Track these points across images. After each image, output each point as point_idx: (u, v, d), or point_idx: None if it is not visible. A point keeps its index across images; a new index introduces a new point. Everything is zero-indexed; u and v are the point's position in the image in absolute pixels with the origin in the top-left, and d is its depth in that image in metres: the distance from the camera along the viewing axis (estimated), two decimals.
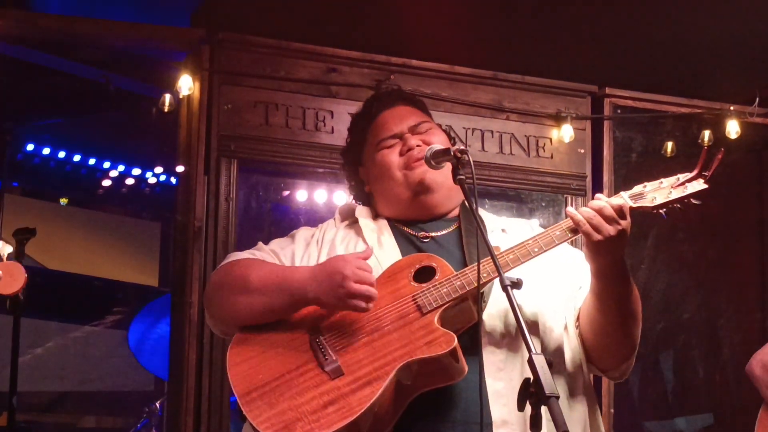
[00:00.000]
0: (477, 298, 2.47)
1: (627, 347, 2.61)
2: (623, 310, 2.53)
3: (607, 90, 5.09)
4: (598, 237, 2.42)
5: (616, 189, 5.01)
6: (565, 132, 4.92)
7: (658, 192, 2.52)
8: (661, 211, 2.52)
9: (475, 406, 2.39)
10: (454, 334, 2.41)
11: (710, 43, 5.17)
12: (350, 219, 2.83)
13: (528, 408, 2.36)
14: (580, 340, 2.60)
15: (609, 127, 5.06)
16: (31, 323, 6.49)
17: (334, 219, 2.86)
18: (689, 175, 2.51)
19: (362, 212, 2.82)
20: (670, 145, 5.18)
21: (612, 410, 4.82)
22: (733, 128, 5.03)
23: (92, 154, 7.13)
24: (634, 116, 5.12)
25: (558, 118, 4.96)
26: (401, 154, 2.73)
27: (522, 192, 5.02)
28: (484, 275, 2.45)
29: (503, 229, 2.75)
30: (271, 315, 2.55)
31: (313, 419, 2.36)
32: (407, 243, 2.70)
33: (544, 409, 2.12)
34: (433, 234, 2.72)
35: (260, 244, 2.81)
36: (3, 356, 5.09)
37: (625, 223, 2.44)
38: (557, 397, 2.10)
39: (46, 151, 6.98)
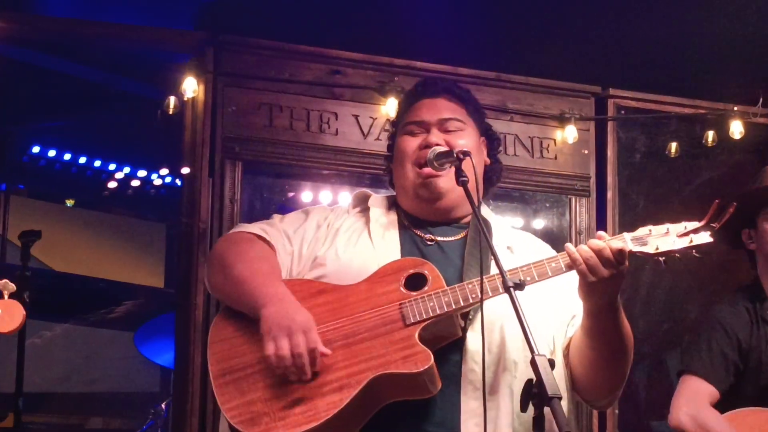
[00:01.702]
0: (467, 314, 2.45)
1: (615, 382, 2.58)
2: (613, 347, 2.50)
3: (611, 91, 5.08)
4: (592, 278, 2.38)
5: (620, 190, 5.02)
6: (569, 133, 4.92)
7: (662, 240, 2.47)
8: (660, 258, 2.47)
9: (449, 422, 2.41)
10: (431, 353, 2.38)
11: (714, 43, 5.16)
12: (362, 206, 2.79)
13: (500, 429, 2.39)
14: (569, 369, 2.58)
15: (613, 127, 5.06)
16: (37, 325, 6.53)
17: (349, 203, 2.84)
18: (697, 225, 2.46)
19: (376, 201, 2.78)
20: (674, 145, 5.17)
21: (616, 411, 4.83)
22: (736, 129, 5.03)
23: (98, 156, 7.15)
24: (637, 117, 5.12)
25: (562, 119, 4.96)
26: (420, 147, 2.69)
27: (526, 193, 5.01)
28: (479, 294, 2.41)
29: (509, 246, 2.69)
30: (239, 308, 2.56)
31: (279, 416, 2.36)
32: (411, 244, 2.67)
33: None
34: (440, 239, 2.68)
35: (275, 218, 2.79)
36: (9, 358, 5.10)
37: (622, 267, 2.40)
38: (560, 398, 2.11)
39: (52, 153, 7.00)
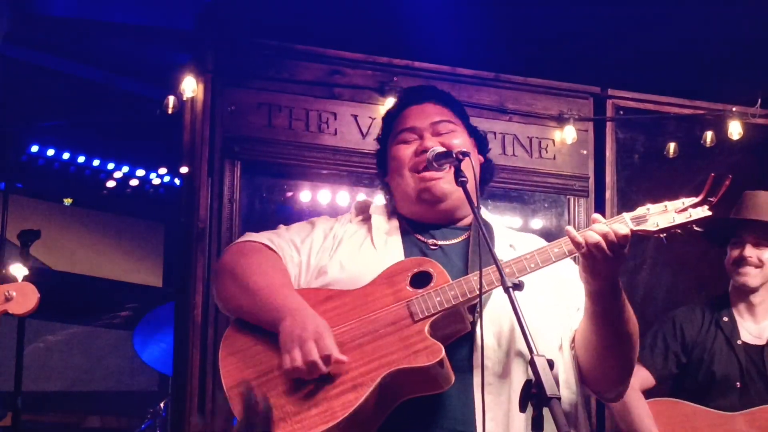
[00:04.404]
0: (474, 307, 2.45)
1: (622, 369, 2.58)
2: (618, 330, 2.50)
3: (610, 91, 5.09)
4: (597, 261, 2.39)
5: (619, 190, 5.03)
6: (568, 133, 4.92)
7: (661, 216, 2.49)
8: (661, 235, 2.49)
9: (463, 417, 2.41)
10: (441, 346, 2.39)
11: (712, 44, 5.18)
12: (364, 215, 2.80)
13: (513, 421, 2.39)
14: (576, 362, 2.58)
15: (611, 128, 5.07)
16: (35, 324, 6.53)
17: (350, 212, 2.84)
18: (694, 200, 2.47)
19: (377, 209, 2.79)
20: (672, 146, 5.18)
21: None
22: (735, 129, 5.04)
23: (96, 155, 7.15)
24: (636, 117, 5.12)
25: (560, 120, 4.96)
26: (416, 154, 2.69)
27: (525, 193, 5.02)
28: (485, 286, 2.42)
29: (511, 244, 2.70)
30: (254, 321, 2.56)
31: (295, 420, 2.37)
32: (413, 248, 2.68)
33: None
34: (442, 242, 2.69)
35: (282, 228, 2.78)
36: (8, 356, 5.11)
37: (626, 249, 2.41)
38: (558, 399, 2.10)
39: (51, 152, 7.00)
